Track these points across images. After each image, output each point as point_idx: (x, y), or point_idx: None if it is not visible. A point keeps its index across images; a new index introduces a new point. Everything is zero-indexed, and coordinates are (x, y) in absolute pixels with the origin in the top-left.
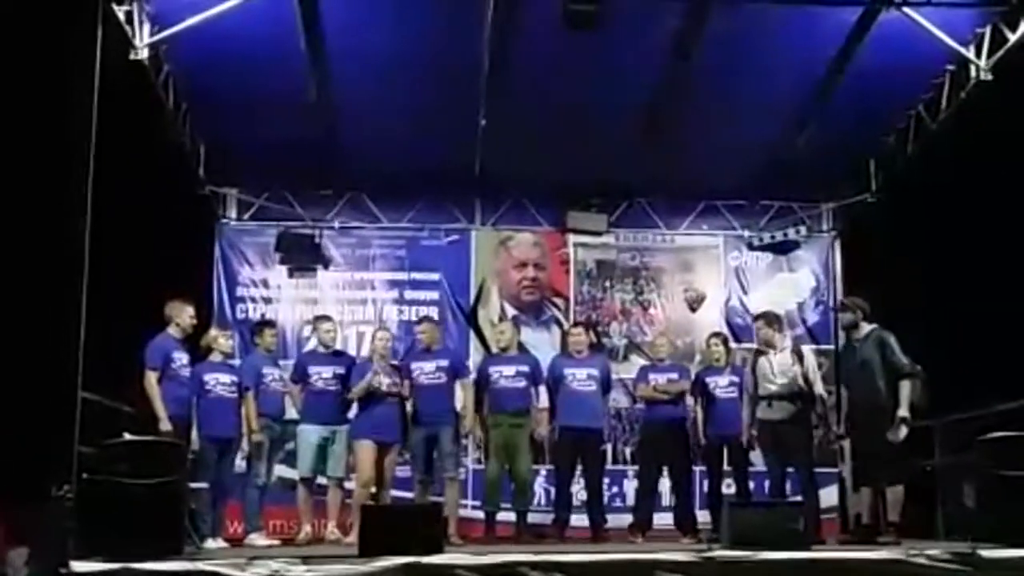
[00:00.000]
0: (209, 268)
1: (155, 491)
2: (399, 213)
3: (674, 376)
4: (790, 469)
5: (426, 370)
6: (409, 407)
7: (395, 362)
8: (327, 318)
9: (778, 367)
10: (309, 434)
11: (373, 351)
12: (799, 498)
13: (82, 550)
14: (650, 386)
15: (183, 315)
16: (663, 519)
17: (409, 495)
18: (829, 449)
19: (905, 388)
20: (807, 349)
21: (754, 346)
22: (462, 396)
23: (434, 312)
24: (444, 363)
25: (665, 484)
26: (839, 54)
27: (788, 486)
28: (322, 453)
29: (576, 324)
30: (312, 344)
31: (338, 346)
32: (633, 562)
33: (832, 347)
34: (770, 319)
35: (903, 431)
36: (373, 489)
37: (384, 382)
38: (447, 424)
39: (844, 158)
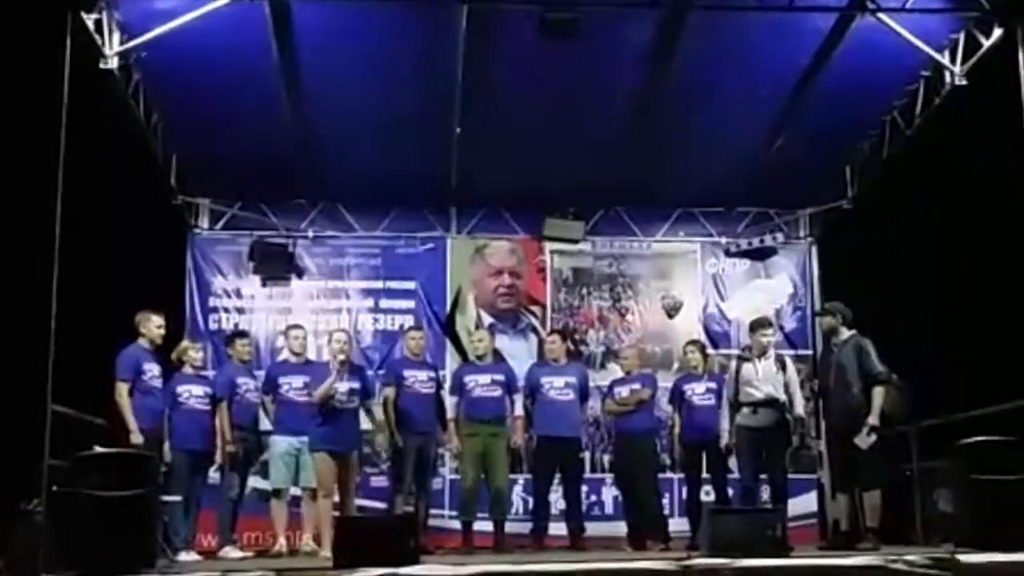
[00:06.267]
0: (181, 279)
1: (127, 504)
2: (374, 222)
3: (636, 386)
4: (763, 476)
5: (420, 378)
6: (380, 413)
7: (359, 362)
8: (297, 326)
9: (763, 374)
10: (281, 445)
11: (332, 353)
12: (769, 506)
13: (53, 564)
14: (614, 401)
15: (150, 325)
16: None
17: (381, 505)
18: (807, 456)
19: (878, 395)
20: (788, 359)
21: (732, 352)
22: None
23: (409, 321)
24: (433, 373)
25: None
26: (814, 61)
27: (761, 494)
28: (295, 464)
29: (553, 332)
30: (284, 354)
31: (311, 356)
32: (612, 571)
33: (810, 352)
34: (769, 325)
35: (871, 438)
36: (336, 498)
37: (341, 388)
38: (435, 434)
39: (820, 164)
